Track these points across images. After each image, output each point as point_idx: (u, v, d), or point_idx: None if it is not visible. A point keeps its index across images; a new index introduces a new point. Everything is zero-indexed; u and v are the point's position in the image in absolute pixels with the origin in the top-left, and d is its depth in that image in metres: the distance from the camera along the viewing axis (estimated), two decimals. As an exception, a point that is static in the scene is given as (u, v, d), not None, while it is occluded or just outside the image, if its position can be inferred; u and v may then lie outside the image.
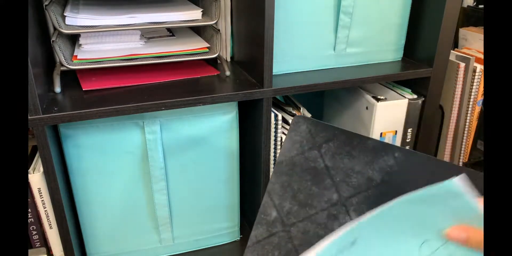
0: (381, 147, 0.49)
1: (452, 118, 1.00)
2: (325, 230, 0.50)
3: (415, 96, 0.88)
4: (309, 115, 0.85)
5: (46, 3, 0.73)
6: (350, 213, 0.49)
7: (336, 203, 0.50)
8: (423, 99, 0.88)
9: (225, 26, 0.86)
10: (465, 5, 1.14)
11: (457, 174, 0.44)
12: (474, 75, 0.95)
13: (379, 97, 0.87)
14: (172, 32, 0.90)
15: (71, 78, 0.79)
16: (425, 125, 0.91)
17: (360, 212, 0.49)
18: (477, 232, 0.42)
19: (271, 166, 0.83)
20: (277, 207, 0.53)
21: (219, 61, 0.88)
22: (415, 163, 0.47)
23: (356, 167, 0.50)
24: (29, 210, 0.75)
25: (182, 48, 0.80)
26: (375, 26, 0.85)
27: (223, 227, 0.90)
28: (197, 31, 0.92)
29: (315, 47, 0.83)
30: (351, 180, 0.50)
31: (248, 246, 0.54)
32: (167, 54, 0.78)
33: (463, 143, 1.03)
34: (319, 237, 0.51)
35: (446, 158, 1.05)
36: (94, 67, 0.73)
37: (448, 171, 0.46)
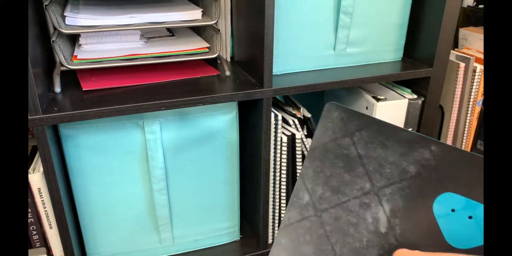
0: (416, 139, 0.48)
1: (452, 118, 1.00)
2: (357, 218, 0.50)
3: (415, 96, 0.88)
4: (309, 115, 0.85)
5: (46, 3, 0.73)
6: (382, 203, 0.49)
7: (368, 192, 0.50)
8: (423, 99, 0.88)
9: (225, 26, 0.86)
10: (465, 5, 1.14)
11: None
12: (474, 75, 0.95)
13: (379, 97, 0.87)
14: (172, 32, 0.90)
15: (71, 78, 0.79)
16: (425, 125, 0.91)
17: (393, 203, 0.49)
18: None
19: (271, 166, 0.83)
20: (309, 191, 0.53)
21: (219, 61, 0.88)
22: (454, 158, 0.46)
23: (389, 157, 0.49)
24: (29, 210, 0.75)
25: (182, 48, 0.80)
26: (375, 26, 0.85)
27: (223, 227, 0.90)
28: (197, 31, 0.92)
29: (315, 47, 0.83)
30: (385, 170, 0.49)
31: (280, 228, 0.54)
32: (167, 54, 0.78)
33: (463, 143, 1.03)
34: (351, 224, 0.51)
35: (446, 158, 1.05)
36: (94, 67, 0.73)
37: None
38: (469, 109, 0.99)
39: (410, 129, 0.86)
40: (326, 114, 0.53)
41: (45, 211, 0.76)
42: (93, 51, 0.77)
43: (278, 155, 0.83)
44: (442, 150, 0.47)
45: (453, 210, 0.47)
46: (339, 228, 0.51)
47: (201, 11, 0.79)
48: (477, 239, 0.46)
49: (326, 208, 0.52)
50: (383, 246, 0.49)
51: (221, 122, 0.79)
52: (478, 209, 0.46)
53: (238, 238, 0.94)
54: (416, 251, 0.45)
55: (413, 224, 0.48)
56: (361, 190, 0.50)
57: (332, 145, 0.52)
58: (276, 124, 0.80)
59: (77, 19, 0.72)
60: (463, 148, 1.03)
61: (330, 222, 0.52)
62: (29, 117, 0.64)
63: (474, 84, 0.96)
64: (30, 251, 0.79)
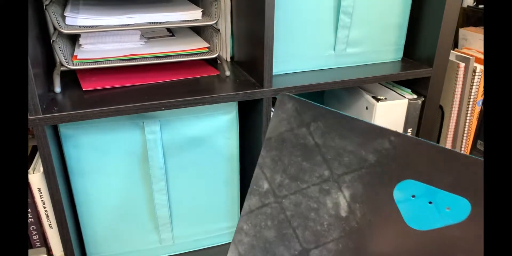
0: (374, 130, 0.47)
1: (452, 118, 1.00)
2: (317, 204, 0.50)
3: (415, 96, 0.88)
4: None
5: (46, 3, 0.73)
6: (342, 190, 0.49)
7: (328, 179, 0.50)
8: (423, 99, 0.88)
9: (225, 26, 0.86)
10: (465, 5, 1.14)
11: (464, 164, 0.42)
12: (474, 75, 0.95)
13: (379, 97, 0.87)
14: (172, 32, 0.90)
15: (71, 78, 0.79)
16: (425, 125, 0.91)
17: (353, 189, 0.49)
18: None
19: (271, 166, 0.83)
20: (268, 180, 0.53)
21: (219, 61, 0.88)
22: (413, 147, 0.46)
23: (348, 147, 0.49)
24: (29, 210, 0.75)
25: (182, 48, 0.80)
26: (375, 26, 0.85)
27: (223, 227, 0.90)
28: (197, 31, 0.92)
29: (315, 47, 0.83)
30: (343, 159, 0.49)
31: (241, 215, 0.55)
32: (167, 54, 0.78)
33: (463, 143, 1.03)
34: (311, 209, 0.51)
35: (446, 158, 1.04)
36: (94, 67, 0.73)
37: (454, 160, 0.45)
38: (469, 109, 0.99)
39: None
40: (280, 105, 0.53)
41: (45, 211, 0.76)
42: (93, 51, 0.77)
43: (278, 155, 0.83)
44: (402, 141, 0.47)
45: (413, 196, 0.47)
46: (300, 213, 0.51)
47: (201, 11, 0.79)
48: (436, 222, 0.46)
49: (286, 195, 0.52)
50: (344, 228, 0.49)
51: (221, 122, 0.79)
52: (438, 195, 0.46)
53: (238, 238, 0.94)
54: None
55: (373, 208, 0.48)
56: (320, 177, 0.50)
57: (288, 135, 0.52)
58: (276, 124, 0.80)
59: (77, 19, 0.72)
60: (463, 148, 1.03)
61: (290, 207, 0.52)
62: (29, 117, 0.64)
63: (474, 84, 0.96)
64: (30, 251, 0.79)
